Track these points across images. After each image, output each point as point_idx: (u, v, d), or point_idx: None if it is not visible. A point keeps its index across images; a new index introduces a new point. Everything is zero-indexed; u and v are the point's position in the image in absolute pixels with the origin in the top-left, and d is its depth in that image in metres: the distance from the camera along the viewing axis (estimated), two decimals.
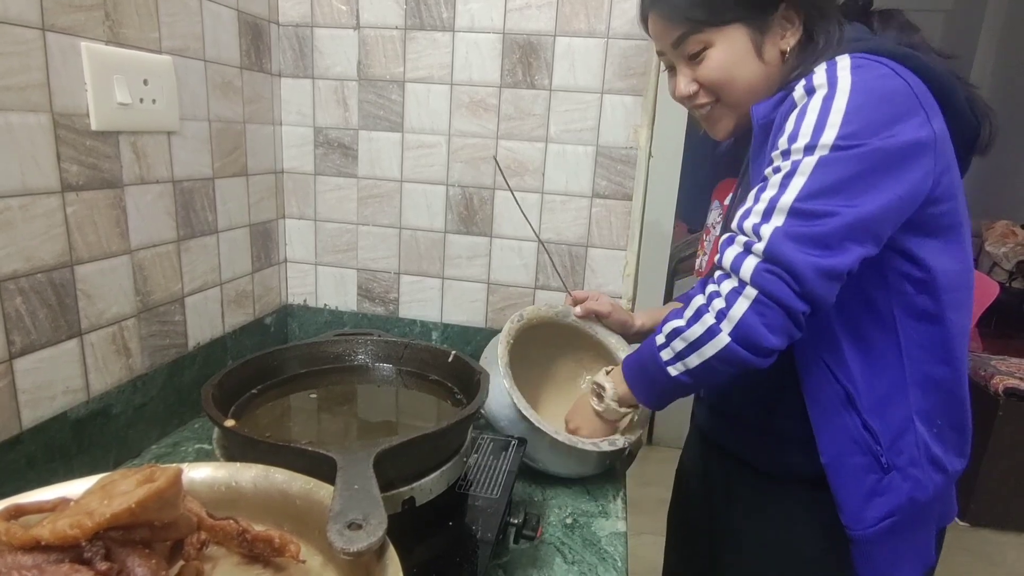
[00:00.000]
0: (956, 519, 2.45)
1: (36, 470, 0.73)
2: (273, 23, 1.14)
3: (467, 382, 0.75)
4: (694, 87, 0.76)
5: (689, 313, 0.68)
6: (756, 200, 0.65)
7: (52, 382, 0.74)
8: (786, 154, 0.65)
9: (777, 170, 0.65)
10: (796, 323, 0.63)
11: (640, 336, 1.04)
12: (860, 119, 0.62)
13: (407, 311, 1.27)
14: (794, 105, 0.67)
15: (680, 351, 0.69)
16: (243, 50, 1.05)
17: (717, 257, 0.66)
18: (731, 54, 0.72)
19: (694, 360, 0.68)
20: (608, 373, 0.83)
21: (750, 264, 0.63)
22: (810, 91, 0.66)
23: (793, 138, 0.64)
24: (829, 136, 0.62)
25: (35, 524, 0.36)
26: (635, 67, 1.07)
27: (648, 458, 2.76)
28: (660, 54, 0.80)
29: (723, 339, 0.65)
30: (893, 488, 0.72)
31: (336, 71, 1.17)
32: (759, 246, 0.62)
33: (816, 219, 0.61)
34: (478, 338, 1.23)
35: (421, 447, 0.59)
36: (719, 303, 0.65)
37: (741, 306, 0.63)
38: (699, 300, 0.67)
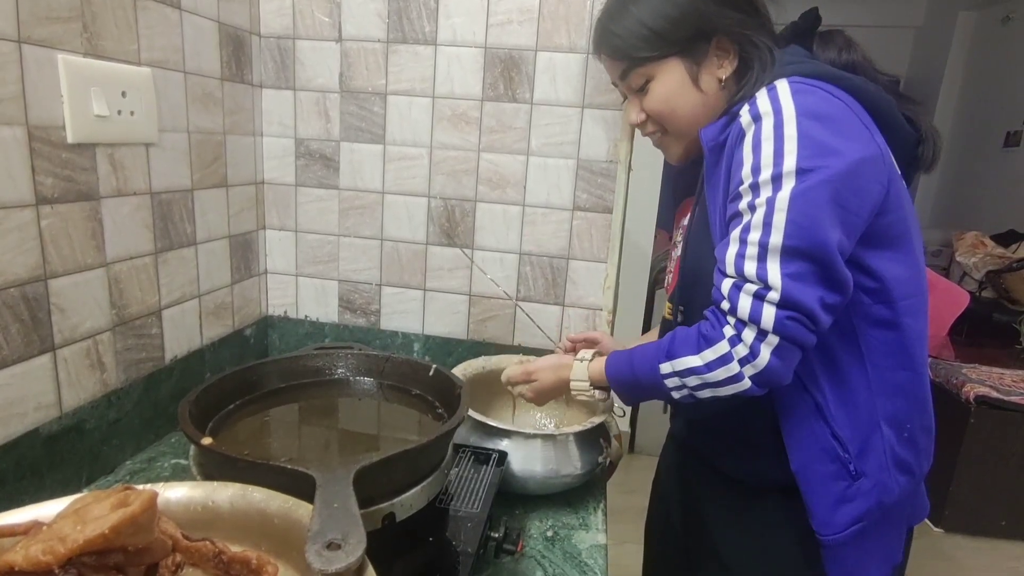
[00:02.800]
0: (930, 525, 2.49)
1: (6, 488, 0.71)
2: (255, 35, 1.14)
3: (448, 396, 0.76)
4: (642, 116, 0.83)
5: (710, 356, 0.69)
6: (743, 242, 0.67)
7: (23, 398, 0.73)
8: (755, 188, 0.67)
9: (752, 207, 0.67)
10: (805, 355, 0.68)
11: None
12: (813, 143, 0.65)
13: (388, 323, 1.27)
14: (742, 131, 0.70)
15: (694, 386, 0.71)
16: (224, 61, 1.04)
17: (727, 304, 0.68)
18: (670, 86, 0.78)
19: (706, 393, 0.71)
20: (589, 361, 0.85)
21: (770, 313, 0.65)
22: (756, 117, 0.69)
23: (756, 170, 0.67)
24: (790, 163, 0.65)
25: (8, 548, 0.36)
26: None
27: (630, 466, 2.77)
28: (614, 84, 0.87)
29: (745, 383, 0.68)
30: (862, 494, 0.74)
31: (318, 83, 1.17)
32: (774, 295, 0.64)
33: (813, 257, 0.64)
34: (460, 350, 1.23)
35: (401, 463, 0.59)
36: (742, 350, 0.67)
37: (765, 354, 0.66)
38: (723, 347, 0.68)
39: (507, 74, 1.12)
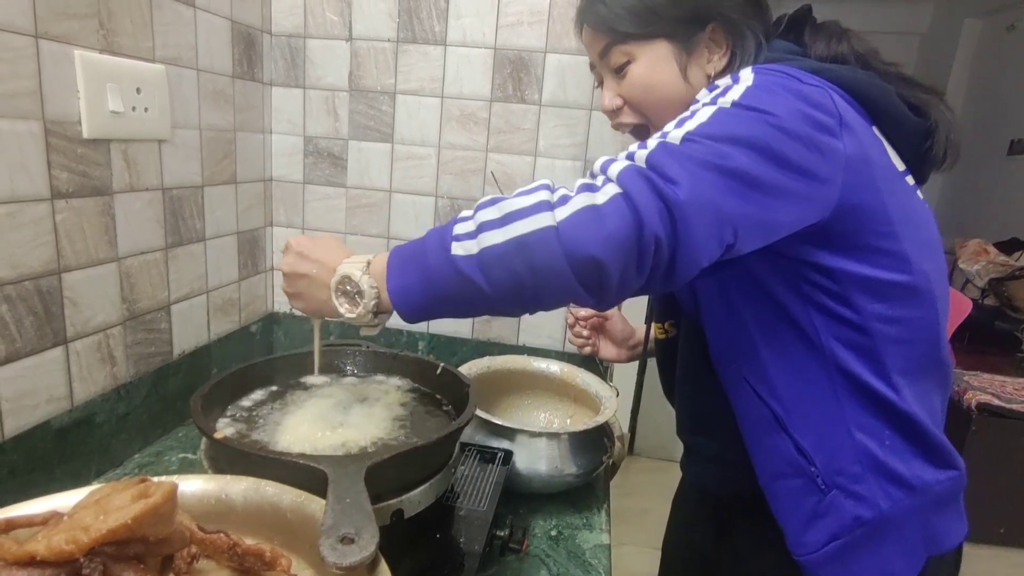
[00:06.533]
0: None
1: (17, 479, 0.72)
2: (266, 33, 1.14)
3: (455, 394, 0.76)
4: (618, 102, 0.75)
5: (524, 188, 0.54)
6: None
7: (36, 390, 0.74)
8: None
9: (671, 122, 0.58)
10: (640, 251, 0.49)
11: (640, 351, 1.03)
12: (762, 97, 0.56)
13: (393, 321, 1.27)
14: (696, 103, 0.62)
15: (484, 223, 0.52)
16: (235, 59, 1.05)
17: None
18: (653, 70, 0.71)
19: (495, 237, 0.51)
20: (368, 264, 0.60)
21: (622, 164, 0.52)
22: (712, 89, 0.61)
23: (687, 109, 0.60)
24: (729, 98, 0.57)
25: (27, 539, 0.36)
26: None
27: (630, 469, 2.78)
28: (592, 66, 0.79)
29: (546, 220, 0.50)
30: (835, 508, 0.67)
31: (327, 81, 1.18)
32: (641, 152, 0.52)
33: (717, 152, 0.52)
34: (464, 349, 1.24)
35: (411, 460, 0.60)
36: (564, 191, 0.53)
37: (589, 199, 0.50)
38: (543, 181, 0.55)
39: (516, 75, 1.12)
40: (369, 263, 0.59)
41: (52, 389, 0.76)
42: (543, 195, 0.52)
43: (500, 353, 1.14)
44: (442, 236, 0.54)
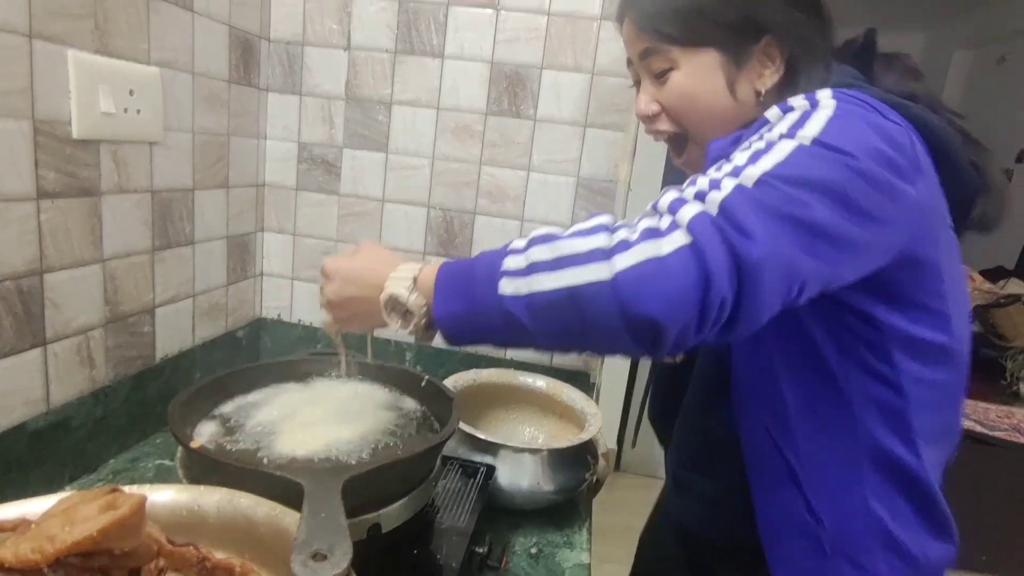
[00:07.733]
0: None
1: None
2: (264, 39, 1.15)
3: (439, 407, 0.76)
4: (655, 107, 0.69)
5: (582, 226, 0.50)
6: (714, 171, 0.52)
7: (12, 392, 0.72)
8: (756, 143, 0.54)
9: (743, 148, 0.53)
10: (702, 313, 0.45)
11: None
12: (845, 134, 0.51)
13: (381, 331, 1.26)
14: (765, 122, 0.57)
15: (536, 263, 0.49)
16: (232, 64, 1.05)
17: (649, 206, 0.52)
18: (697, 81, 0.65)
19: (546, 282, 0.48)
20: (415, 281, 0.59)
21: (692, 210, 0.47)
22: (786, 110, 0.56)
23: (762, 137, 0.54)
24: (810, 131, 0.51)
25: None
26: (618, 103, 1.10)
27: (615, 485, 2.77)
28: (629, 63, 0.73)
29: (602, 271, 0.46)
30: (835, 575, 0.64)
31: (324, 89, 1.18)
32: (715, 195, 0.47)
33: (795, 201, 0.47)
34: (451, 361, 1.23)
35: (391, 473, 0.59)
36: (626, 233, 0.48)
37: (653, 248, 0.45)
38: (601, 220, 0.51)
39: (512, 90, 1.13)
40: (416, 279, 0.58)
41: (28, 391, 0.75)
42: (600, 240, 0.48)
43: (487, 366, 1.13)
44: (492, 266, 0.51)
